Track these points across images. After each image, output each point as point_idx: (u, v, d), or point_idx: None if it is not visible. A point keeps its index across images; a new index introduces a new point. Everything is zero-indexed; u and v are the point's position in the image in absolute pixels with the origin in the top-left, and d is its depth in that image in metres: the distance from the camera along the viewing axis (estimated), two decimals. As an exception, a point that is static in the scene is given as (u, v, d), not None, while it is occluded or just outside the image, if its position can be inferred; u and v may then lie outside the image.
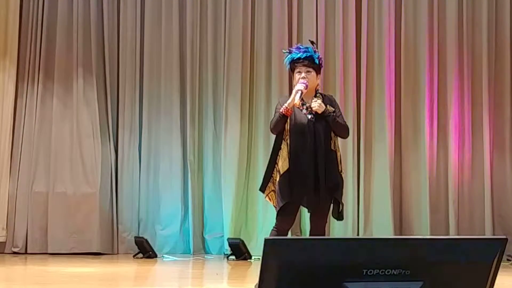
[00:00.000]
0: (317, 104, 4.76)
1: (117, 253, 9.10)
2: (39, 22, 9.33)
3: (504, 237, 2.31)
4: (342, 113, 5.06)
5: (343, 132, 4.90)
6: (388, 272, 2.19)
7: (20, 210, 9.10)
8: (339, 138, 4.91)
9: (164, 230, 9.10)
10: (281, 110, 4.74)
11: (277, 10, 9.15)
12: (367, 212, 8.85)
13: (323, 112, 4.77)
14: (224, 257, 8.75)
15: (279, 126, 4.81)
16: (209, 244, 9.12)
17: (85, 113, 9.19)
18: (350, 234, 8.71)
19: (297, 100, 4.68)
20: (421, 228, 8.64)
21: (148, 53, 9.33)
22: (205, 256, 8.88)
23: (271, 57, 9.09)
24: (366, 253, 2.19)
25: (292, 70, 4.97)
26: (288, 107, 4.70)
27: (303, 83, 4.77)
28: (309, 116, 4.80)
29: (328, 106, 4.84)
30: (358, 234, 8.75)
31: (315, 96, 4.90)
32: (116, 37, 9.39)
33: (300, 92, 4.71)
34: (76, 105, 9.21)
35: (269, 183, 4.84)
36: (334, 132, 4.84)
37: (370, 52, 9.04)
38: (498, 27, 8.96)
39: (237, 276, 7.22)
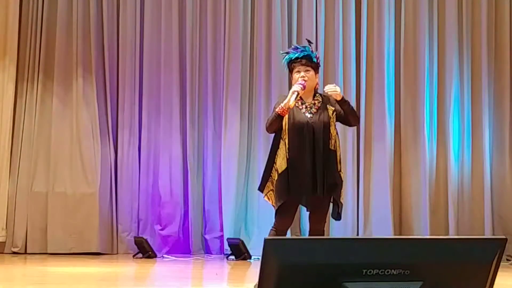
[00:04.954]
0: (338, 89, 4.76)
1: (117, 253, 9.09)
2: (39, 22, 9.32)
3: (503, 237, 2.31)
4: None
5: (356, 119, 4.97)
6: (387, 272, 2.19)
7: (19, 210, 9.09)
8: (339, 139, 4.90)
9: (164, 230, 9.09)
10: (277, 110, 4.75)
11: (276, 10, 9.14)
12: (366, 212, 8.85)
13: (342, 99, 4.78)
14: (223, 257, 8.75)
15: (274, 125, 4.81)
16: (209, 244, 9.12)
17: (84, 113, 9.18)
18: (349, 234, 8.71)
19: (292, 102, 4.68)
20: (421, 228, 8.64)
21: (148, 53, 9.32)
22: (205, 256, 8.88)
23: (270, 57, 9.09)
24: (366, 253, 2.19)
25: (290, 70, 4.97)
26: (284, 108, 4.70)
27: (300, 83, 4.77)
28: (309, 116, 4.81)
29: (328, 104, 4.86)
30: (357, 234, 8.74)
31: (315, 95, 4.91)
32: (116, 37, 9.38)
33: (296, 93, 4.72)
34: (75, 104, 9.20)
35: (268, 182, 4.84)
36: (347, 120, 4.86)
37: (370, 52, 9.04)
38: (498, 27, 8.96)
39: (236, 276, 7.22)
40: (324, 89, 4.86)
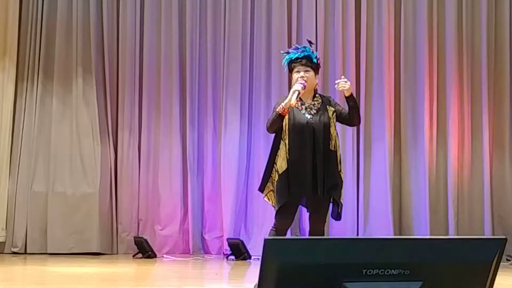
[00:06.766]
0: (347, 85, 4.76)
1: (117, 253, 9.09)
2: (39, 22, 9.32)
3: (503, 237, 2.31)
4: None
5: (358, 118, 4.92)
6: (387, 272, 2.19)
7: (19, 210, 9.09)
8: (338, 139, 4.91)
9: (164, 230, 9.09)
10: (277, 110, 4.75)
11: (276, 10, 9.15)
12: (366, 212, 8.85)
13: (350, 95, 4.77)
14: (223, 257, 8.75)
15: (274, 125, 4.81)
16: (209, 244, 9.12)
17: (84, 113, 9.19)
18: (349, 234, 8.71)
19: (293, 101, 4.69)
20: (421, 228, 8.64)
21: (148, 53, 9.32)
22: (205, 256, 8.88)
23: (270, 57, 9.09)
24: (366, 253, 2.19)
25: (290, 70, 4.98)
26: (285, 107, 4.70)
27: (301, 83, 4.78)
28: (309, 116, 4.81)
29: (328, 105, 4.87)
30: (357, 234, 8.75)
31: (314, 96, 4.91)
32: (116, 37, 9.37)
33: (297, 92, 4.72)
34: (75, 105, 9.20)
35: (268, 183, 4.85)
36: (349, 118, 4.85)
37: (370, 52, 9.04)
38: (497, 27, 8.96)
39: (236, 276, 7.22)
40: (336, 82, 4.84)
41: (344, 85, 4.78)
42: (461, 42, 8.90)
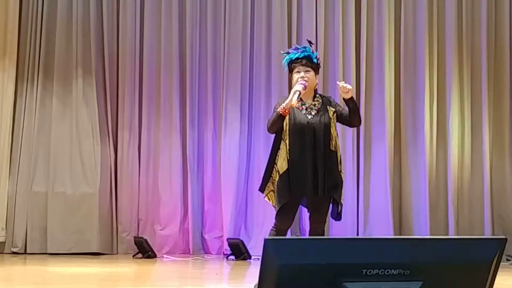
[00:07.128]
0: (350, 86, 4.76)
1: (117, 253, 9.09)
2: (39, 22, 9.32)
3: (503, 237, 2.31)
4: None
5: (359, 120, 4.93)
6: (387, 272, 2.19)
7: (19, 210, 9.09)
8: (339, 139, 4.91)
9: (164, 230, 9.09)
10: (278, 110, 4.75)
11: (276, 10, 9.15)
12: (366, 212, 8.85)
13: (350, 98, 4.77)
14: (223, 257, 8.75)
15: (275, 125, 4.82)
16: (209, 244, 9.12)
17: (84, 113, 9.19)
18: (349, 234, 8.71)
19: (294, 101, 4.69)
20: (421, 228, 8.64)
21: (148, 53, 9.32)
22: (205, 256, 8.88)
23: (270, 57, 9.10)
24: (366, 253, 2.19)
25: (290, 70, 4.98)
26: (286, 107, 4.71)
27: (302, 83, 4.78)
28: (309, 117, 4.81)
29: (328, 105, 4.87)
30: (357, 234, 8.75)
31: (315, 96, 4.91)
32: (116, 37, 9.38)
33: (298, 92, 4.72)
34: (75, 105, 9.20)
35: (269, 183, 4.85)
36: (349, 120, 4.85)
37: (370, 52, 9.04)
38: (497, 27, 8.96)
39: (236, 276, 7.22)
40: (338, 84, 4.84)
41: (347, 85, 4.77)
42: (461, 42, 8.90)
